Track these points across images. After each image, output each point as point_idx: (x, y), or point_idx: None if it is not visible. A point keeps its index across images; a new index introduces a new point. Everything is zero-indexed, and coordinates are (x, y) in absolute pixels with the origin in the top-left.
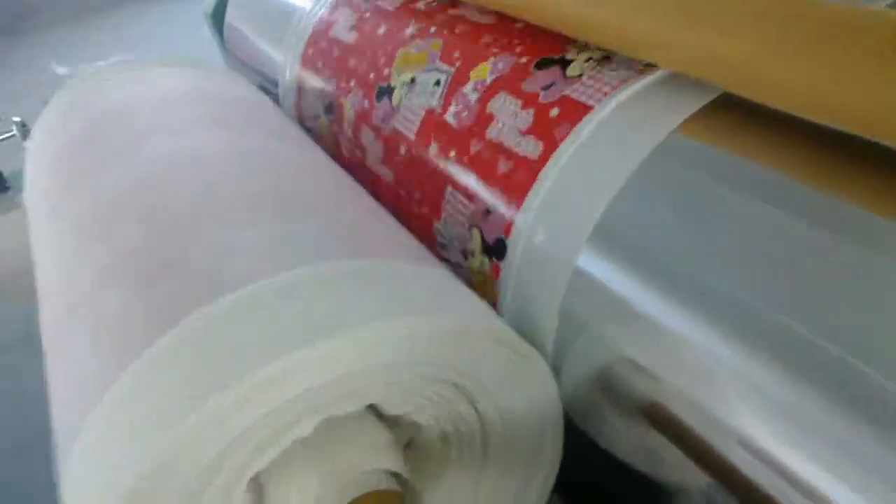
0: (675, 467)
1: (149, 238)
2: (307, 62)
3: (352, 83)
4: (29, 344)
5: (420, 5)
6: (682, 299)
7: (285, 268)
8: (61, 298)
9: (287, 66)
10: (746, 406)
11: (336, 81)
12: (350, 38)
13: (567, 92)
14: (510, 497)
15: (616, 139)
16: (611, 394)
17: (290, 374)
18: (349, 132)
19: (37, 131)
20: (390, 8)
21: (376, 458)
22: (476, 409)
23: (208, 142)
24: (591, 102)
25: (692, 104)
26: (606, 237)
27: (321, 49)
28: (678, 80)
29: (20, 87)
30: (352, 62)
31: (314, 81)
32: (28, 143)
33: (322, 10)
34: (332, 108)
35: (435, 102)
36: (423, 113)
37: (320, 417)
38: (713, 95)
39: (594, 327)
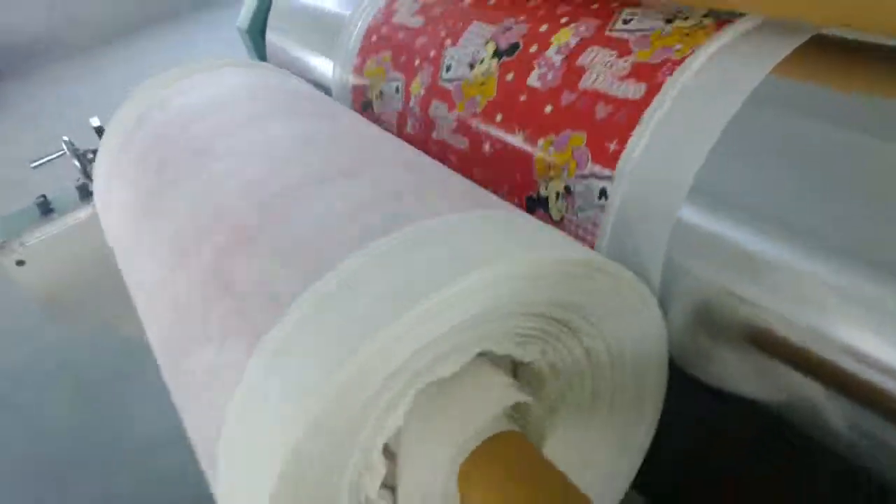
0: (786, 387)
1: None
2: (369, 50)
3: (416, 62)
4: None
5: None
6: (783, 233)
7: (439, 213)
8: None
9: (342, 61)
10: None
11: (404, 64)
12: (415, 22)
13: (668, 30)
14: (616, 441)
15: (718, 79)
16: (719, 329)
17: (454, 303)
18: (417, 109)
19: (110, 136)
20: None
21: (504, 398)
22: (584, 346)
23: (292, 127)
24: (683, 54)
25: (782, 48)
26: (709, 177)
27: (382, 36)
28: (761, 30)
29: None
30: (419, 42)
31: (378, 63)
32: (102, 147)
33: (378, 4)
34: (398, 89)
35: (510, 76)
36: (497, 75)
37: (466, 357)
38: (801, 39)
39: (699, 267)
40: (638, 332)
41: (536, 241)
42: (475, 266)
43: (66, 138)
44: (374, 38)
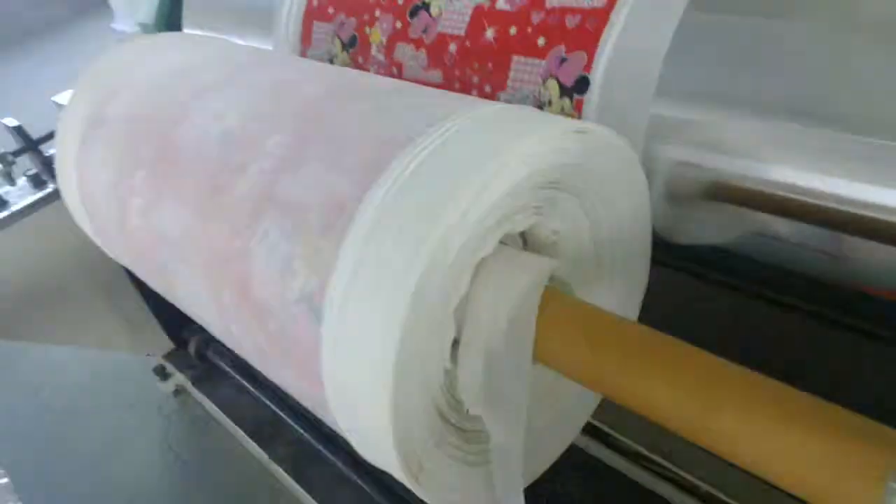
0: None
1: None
2: (312, 15)
3: (377, 13)
4: None
5: None
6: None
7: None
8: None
9: (284, 25)
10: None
11: (357, 16)
12: None
13: None
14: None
15: None
16: (689, 195)
17: (517, 161)
18: (380, 55)
19: (72, 118)
20: None
21: (545, 265)
22: (588, 216)
23: (284, 71)
24: None
25: None
26: (676, 58)
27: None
28: None
29: None
30: None
31: (325, 27)
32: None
33: None
34: (354, 40)
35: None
36: (470, 10)
37: (530, 220)
38: None
39: (672, 150)
40: (628, 199)
41: (555, 120)
42: (525, 133)
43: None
44: (314, 3)
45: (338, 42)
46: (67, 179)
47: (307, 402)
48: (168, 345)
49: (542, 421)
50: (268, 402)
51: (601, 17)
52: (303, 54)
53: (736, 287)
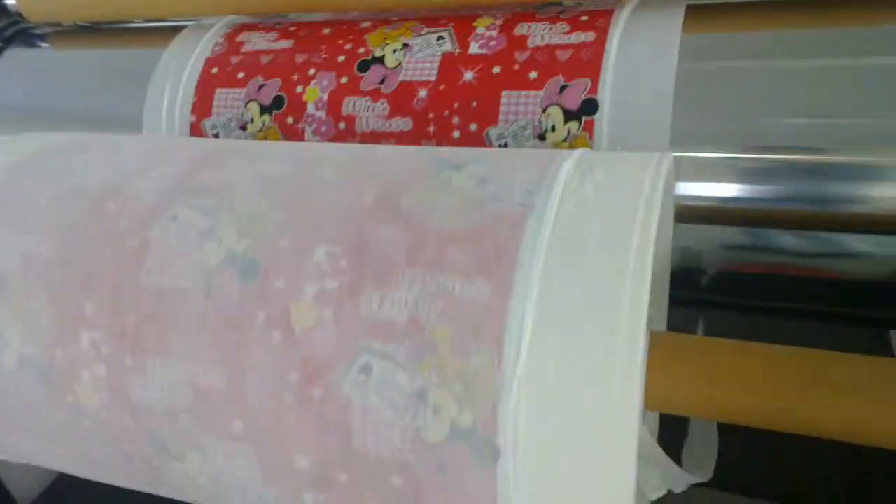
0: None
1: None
2: (211, 83)
3: (310, 71)
4: None
5: (353, 15)
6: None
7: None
8: None
9: (166, 97)
10: None
11: (282, 78)
12: (285, 44)
13: (582, 8)
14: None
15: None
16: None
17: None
18: (319, 112)
19: None
20: (320, 19)
21: None
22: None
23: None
24: (609, 6)
25: None
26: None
27: (240, 63)
28: None
29: None
30: (300, 58)
31: (233, 93)
32: None
33: (212, 45)
34: (281, 101)
35: (450, 47)
36: (439, 57)
37: None
38: None
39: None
40: (668, 215)
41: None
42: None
43: None
44: (214, 70)
45: (254, 106)
46: None
47: None
48: None
49: None
50: None
51: (596, 47)
52: (194, 126)
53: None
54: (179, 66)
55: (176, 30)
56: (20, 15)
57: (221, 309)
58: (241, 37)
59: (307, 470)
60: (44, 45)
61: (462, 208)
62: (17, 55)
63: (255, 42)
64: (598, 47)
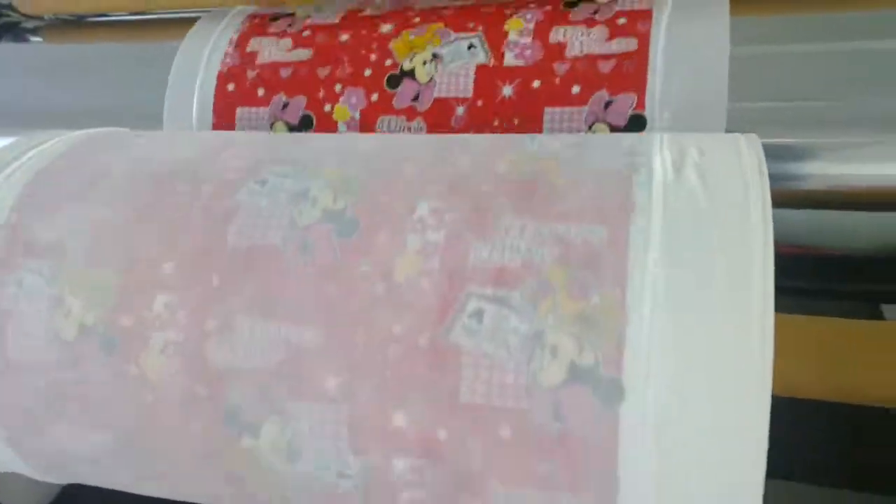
0: None
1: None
2: (229, 101)
3: (337, 87)
4: None
5: (368, 12)
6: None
7: None
8: None
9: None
10: None
11: (307, 95)
12: (302, 54)
13: (618, 9)
14: None
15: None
16: None
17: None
18: (353, 132)
19: None
20: (334, 20)
21: None
22: None
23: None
24: (646, 6)
25: None
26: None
27: (257, 78)
28: None
29: None
30: (322, 72)
31: (256, 112)
32: None
33: (220, 53)
34: (309, 120)
35: (482, 59)
36: (472, 70)
37: None
38: None
39: None
40: None
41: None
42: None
43: None
44: (231, 86)
45: (281, 126)
46: None
47: None
48: None
49: None
50: None
51: (639, 58)
52: None
53: None
54: (188, 87)
55: (174, 22)
56: (11, 7)
57: (320, 263)
58: (252, 45)
59: (404, 429)
60: (35, 38)
61: (564, 165)
62: (7, 49)
63: (270, 52)
64: (642, 58)
